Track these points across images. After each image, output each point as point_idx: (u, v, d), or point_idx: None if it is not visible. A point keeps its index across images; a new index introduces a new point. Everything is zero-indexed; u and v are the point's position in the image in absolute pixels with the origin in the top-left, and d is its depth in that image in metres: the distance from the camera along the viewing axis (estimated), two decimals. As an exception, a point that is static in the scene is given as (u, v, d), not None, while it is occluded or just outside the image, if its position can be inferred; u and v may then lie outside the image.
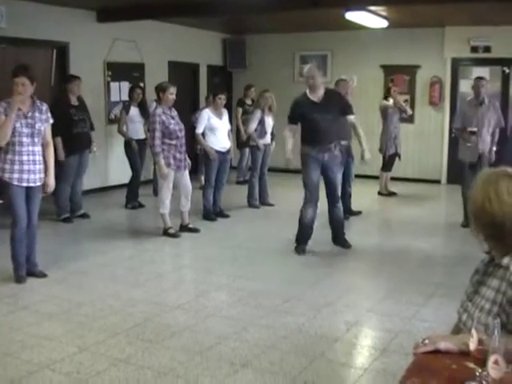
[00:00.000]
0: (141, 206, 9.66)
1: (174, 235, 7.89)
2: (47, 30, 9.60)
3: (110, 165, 11.17)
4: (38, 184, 5.87)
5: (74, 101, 8.61)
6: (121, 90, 11.04)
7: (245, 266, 6.78)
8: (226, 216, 9.12)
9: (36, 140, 5.79)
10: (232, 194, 10.97)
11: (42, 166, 5.90)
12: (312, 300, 5.61)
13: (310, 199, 7.10)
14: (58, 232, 8.12)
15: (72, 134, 8.41)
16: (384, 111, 10.72)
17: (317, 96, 6.96)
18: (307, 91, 7.03)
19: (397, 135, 10.80)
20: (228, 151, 9.01)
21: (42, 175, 5.90)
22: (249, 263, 6.87)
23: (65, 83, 8.73)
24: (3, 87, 6.71)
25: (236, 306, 5.45)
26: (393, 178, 11.46)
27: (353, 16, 10.04)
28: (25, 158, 5.71)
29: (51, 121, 6.00)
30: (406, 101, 12.62)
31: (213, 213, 8.98)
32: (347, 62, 12.90)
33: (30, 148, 5.74)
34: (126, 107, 9.79)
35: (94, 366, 4.14)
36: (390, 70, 12.87)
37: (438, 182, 12.67)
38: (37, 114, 5.81)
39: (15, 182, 5.71)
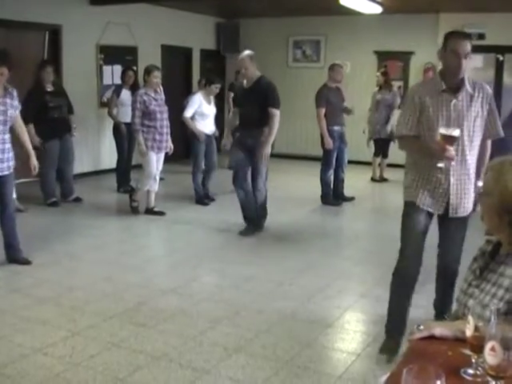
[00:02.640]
0: (133, 189, 9.60)
1: (134, 209, 8.18)
2: (40, 12, 9.52)
3: (102, 148, 11.13)
4: (6, 173, 5.68)
5: (48, 87, 8.44)
6: (113, 74, 10.97)
7: (237, 250, 6.79)
8: (212, 199, 9.14)
9: (7, 127, 5.65)
10: (225, 178, 10.95)
11: (11, 154, 5.73)
12: (304, 285, 5.62)
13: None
14: (46, 217, 8.05)
15: (47, 120, 8.30)
16: (372, 98, 10.77)
17: (248, 84, 7.16)
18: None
19: (380, 121, 10.77)
20: (213, 133, 9.10)
21: (11, 163, 5.73)
22: (241, 248, 6.87)
23: (37, 70, 8.47)
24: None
25: (228, 291, 5.45)
26: (387, 165, 11.46)
27: (347, 1, 9.99)
28: None
29: (20, 106, 5.89)
30: (399, 88, 12.65)
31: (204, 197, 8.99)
32: (341, 48, 12.87)
33: (1, 136, 5.58)
34: (117, 90, 9.73)
35: (86, 350, 4.13)
36: (383, 56, 12.85)
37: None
38: (8, 100, 5.64)
39: None
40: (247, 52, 7.15)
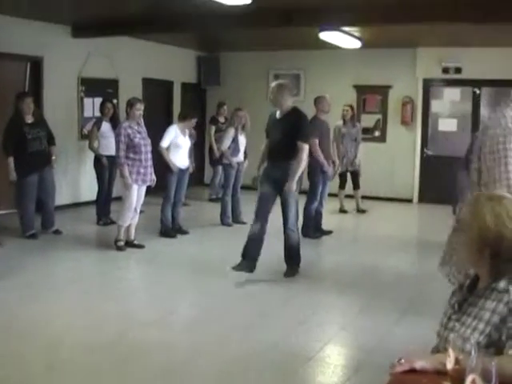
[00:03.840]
0: (113, 222, 9.51)
1: (120, 248, 7.97)
2: (22, 43, 9.54)
3: (82, 181, 11.07)
4: None
5: (28, 118, 8.36)
6: (94, 106, 10.94)
7: (215, 282, 6.74)
8: (186, 232, 9.05)
9: None
10: (205, 211, 10.97)
11: None
12: (285, 317, 5.62)
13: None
14: (25, 249, 7.97)
15: (27, 154, 8.24)
16: (334, 131, 10.75)
17: (280, 113, 6.93)
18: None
19: (346, 154, 10.87)
20: (187, 168, 9.07)
21: None
22: (219, 280, 6.81)
23: (16, 102, 8.42)
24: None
25: (208, 323, 5.42)
26: (364, 197, 11.52)
27: (327, 36, 10.11)
28: None
29: None
30: (378, 120, 12.85)
31: (172, 229, 8.95)
32: (320, 81, 12.95)
33: None
34: (97, 122, 9.70)
35: (65, 385, 4.09)
36: (362, 90, 13.01)
37: (409, 201, 12.77)
38: None
39: None
40: (279, 81, 6.99)
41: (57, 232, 8.79)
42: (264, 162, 7.24)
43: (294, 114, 6.88)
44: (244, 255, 6.88)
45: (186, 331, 5.21)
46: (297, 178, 6.79)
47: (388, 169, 12.73)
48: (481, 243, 2.25)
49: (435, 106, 12.78)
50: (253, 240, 6.94)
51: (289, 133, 6.75)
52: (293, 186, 6.75)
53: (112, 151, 8.96)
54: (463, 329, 2.29)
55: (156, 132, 8.75)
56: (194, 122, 9.10)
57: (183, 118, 9.11)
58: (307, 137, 6.90)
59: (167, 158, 8.63)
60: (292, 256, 7.10)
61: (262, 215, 6.95)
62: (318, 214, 9.20)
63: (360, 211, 11.33)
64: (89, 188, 10.73)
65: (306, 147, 6.80)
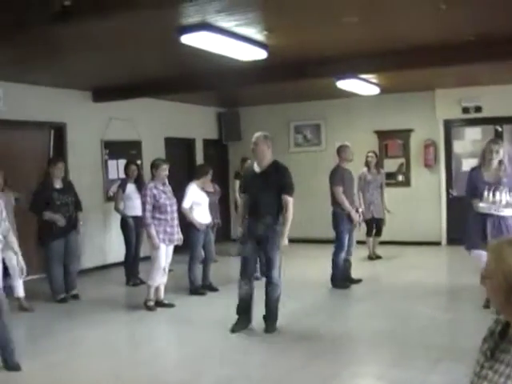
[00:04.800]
0: (142, 282, 9.50)
1: (150, 308, 7.96)
2: (44, 111, 9.77)
3: (109, 242, 11.13)
4: None
5: (57, 183, 8.50)
6: (118, 168, 11.09)
7: (246, 340, 6.64)
8: (215, 289, 9.03)
9: None
10: (233, 267, 10.91)
11: None
12: (318, 372, 5.49)
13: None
14: (55, 313, 7.98)
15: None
16: (359, 179, 10.76)
17: (261, 168, 6.81)
18: (255, 162, 6.90)
19: (372, 201, 10.89)
20: (210, 224, 9.07)
21: None
22: (249, 338, 6.72)
23: (47, 166, 8.58)
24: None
25: (240, 382, 5.33)
26: (392, 242, 11.44)
27: (344, 84, 10.19)
28: None
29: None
30: (401, 165, 12.84)
31: (202, 287, 8.92)
32: (341, 130, 13.04)
33: None
34: (122, 184, 9.80)
35: None
36: (383, 136, 13.02)
37: (438, 243, 12.64)
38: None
39: None
40: (261, 132, 6.90)
41: (75, 297, 8.74)
42: (245, 219, 7.07)
43: (276, 168, 6.78)
44: (239, 313, 6.92)
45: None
46: (287, 234, 6.68)
47: (414, 212, 12.64)
48: (507, 290, 2.21)
49: (457, 146, 12.75)
50: (244, 301, 6.92)
51: (273, 187, 6.64)
52: (284, 242, 6.68)
53: (138, 212, 9.01)
54: (496, 377, 2.24)
55: (179, 190, 8.79)
56: (210, 174, 9.20)
57: (199, 175, 9.15)
58: (293, 190, 6.72)
59: (192, 218, 8.66)
60: (272, 311, 6.88)
61: (249, 275, 6.92)
62: (347, 263, 9.10)
63: (375, 258, 11.25)
64: (115, 249, 10.77)
65: (291, 200, 6.64)
